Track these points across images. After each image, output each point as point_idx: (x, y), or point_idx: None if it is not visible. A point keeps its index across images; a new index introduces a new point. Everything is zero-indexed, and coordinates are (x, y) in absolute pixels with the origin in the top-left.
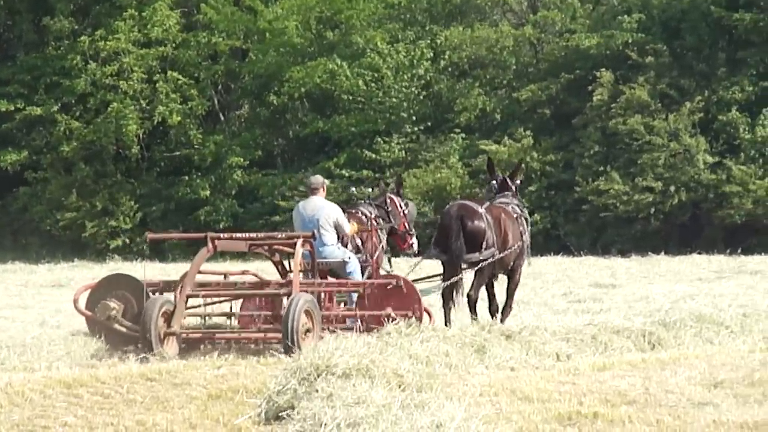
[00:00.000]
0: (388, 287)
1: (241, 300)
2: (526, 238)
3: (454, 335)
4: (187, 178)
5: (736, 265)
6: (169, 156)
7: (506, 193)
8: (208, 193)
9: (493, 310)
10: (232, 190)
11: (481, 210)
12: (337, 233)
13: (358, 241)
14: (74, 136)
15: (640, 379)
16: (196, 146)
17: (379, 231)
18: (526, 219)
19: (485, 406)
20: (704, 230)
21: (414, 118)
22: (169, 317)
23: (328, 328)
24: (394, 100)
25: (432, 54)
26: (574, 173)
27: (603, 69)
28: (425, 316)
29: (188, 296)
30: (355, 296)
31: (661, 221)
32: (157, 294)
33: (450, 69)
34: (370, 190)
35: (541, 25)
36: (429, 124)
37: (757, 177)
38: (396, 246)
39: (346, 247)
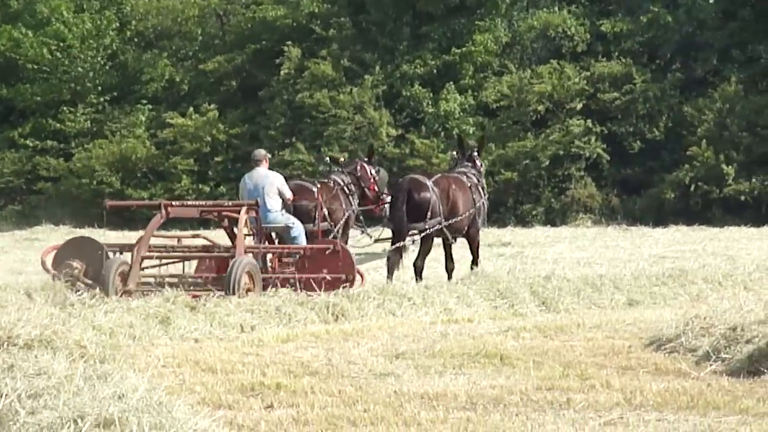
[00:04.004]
0: (327, 252)
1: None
2: (481, 204)
3: (139, 306)
4: None
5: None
6: None
7: (467, 164)
8: None
9: (449, 269)
10: None
11: (429, 183)
12: (282, 201)
13: (326, 211)
14: None
15: (323, 350)
16: None
17: (350, 197)
18: (483, 187)
19: (168, 377)
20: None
21: (100, 88)
22: (125, 276)
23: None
24: (80, 69)
25: (118, 23)
26: (260, 145)
27: (290, 42)
28: (357, 277)
29: (143, 257)
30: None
31: None
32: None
33: (137, 39)
34: (341, 159)
35: None
36: (115, 94)
37: (439, 150)
38: (372, 212)
39: (314, 216)
